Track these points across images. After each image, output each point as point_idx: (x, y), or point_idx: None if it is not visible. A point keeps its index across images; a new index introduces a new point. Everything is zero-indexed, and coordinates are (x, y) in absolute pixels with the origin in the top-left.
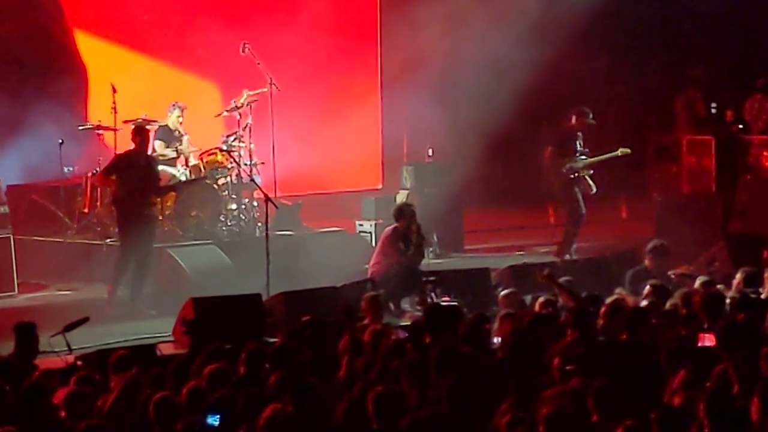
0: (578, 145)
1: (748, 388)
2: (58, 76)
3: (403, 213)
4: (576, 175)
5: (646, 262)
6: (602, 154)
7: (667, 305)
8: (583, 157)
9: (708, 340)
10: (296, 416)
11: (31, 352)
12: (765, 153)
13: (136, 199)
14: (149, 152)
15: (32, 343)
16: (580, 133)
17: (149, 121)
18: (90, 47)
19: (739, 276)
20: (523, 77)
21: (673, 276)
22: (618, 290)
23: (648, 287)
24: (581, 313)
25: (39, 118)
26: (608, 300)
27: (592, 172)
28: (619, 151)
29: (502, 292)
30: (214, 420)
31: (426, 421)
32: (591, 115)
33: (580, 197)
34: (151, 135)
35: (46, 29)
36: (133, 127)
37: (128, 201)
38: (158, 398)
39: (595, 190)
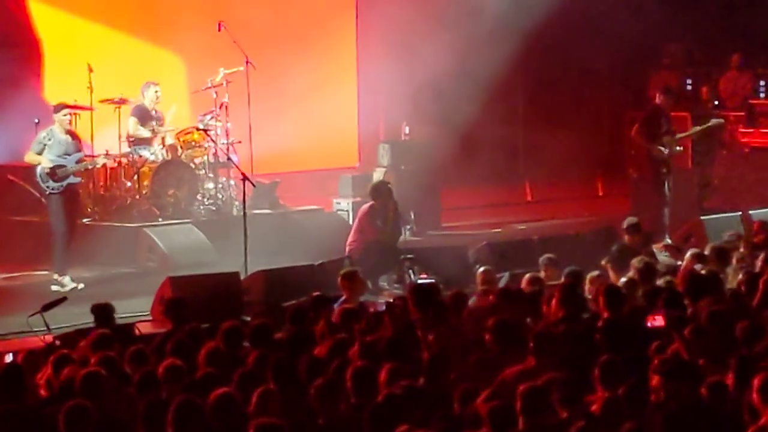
0: (665, 123)
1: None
2: (21, 53)
3: (380, 191)
4: (667, 152)
5: (626, 238)
6: (694, 129)
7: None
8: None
9: (657, 321)
10: (279, 394)
11: None
12: (740, 129)
13: (57, 177)
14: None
15: None
16: (665, 111)
17: (125, 101)
18: (65, 24)
19: (707, 252)
20: (501, 54)
21: (661, 249)
22: (603, 261)
23: (634, 265)
24: (570, 289)
25: (13, 97)
26: (590, 276)
27: (681, 149)
28: (712, 122)
29: (480, 269)
30: None
31: (402, 396)
32: (675, 96)
33: (668, 173)
34: (127, 112)
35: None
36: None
37: (49, 178)
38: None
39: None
